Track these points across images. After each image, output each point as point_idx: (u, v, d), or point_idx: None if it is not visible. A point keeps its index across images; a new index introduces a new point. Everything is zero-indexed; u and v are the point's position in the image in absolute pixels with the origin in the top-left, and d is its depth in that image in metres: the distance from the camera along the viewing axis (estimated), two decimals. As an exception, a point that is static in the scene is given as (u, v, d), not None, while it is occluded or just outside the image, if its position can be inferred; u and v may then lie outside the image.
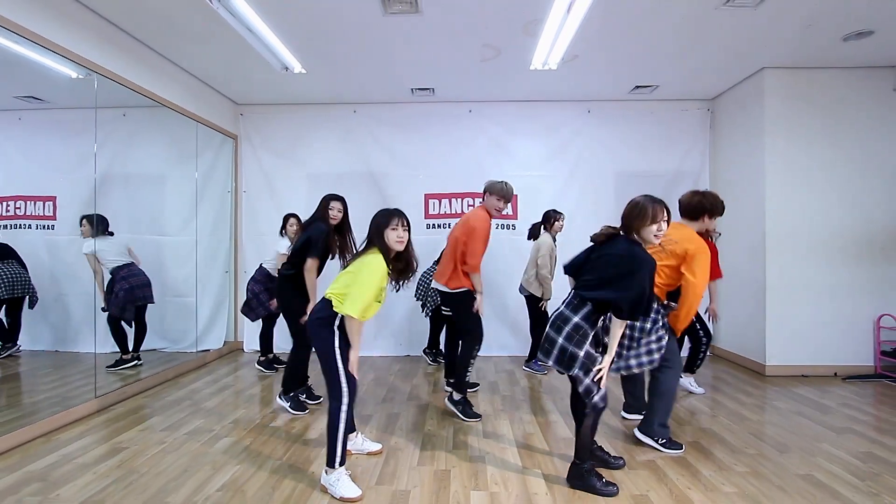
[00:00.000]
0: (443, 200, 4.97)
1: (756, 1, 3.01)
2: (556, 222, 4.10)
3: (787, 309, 4.06)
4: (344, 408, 2.07)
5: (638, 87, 4.56)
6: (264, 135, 5.09)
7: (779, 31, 3.44)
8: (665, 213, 2.01)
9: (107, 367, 3.76)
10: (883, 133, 4.05)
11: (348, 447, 2.31)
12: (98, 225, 3.78)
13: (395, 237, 2.12)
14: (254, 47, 3.65)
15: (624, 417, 3.01)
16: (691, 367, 3.60)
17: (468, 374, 3.10)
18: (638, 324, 2.33)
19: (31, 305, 3.69)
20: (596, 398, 2.04)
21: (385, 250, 2.12)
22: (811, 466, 2.37)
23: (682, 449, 2.54)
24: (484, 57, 3.90)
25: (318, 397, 3.32)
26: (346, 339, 2.12)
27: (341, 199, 3.11)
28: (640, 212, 2.01)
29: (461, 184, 4.94)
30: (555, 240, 4.08)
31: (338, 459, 2.06)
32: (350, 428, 2.35)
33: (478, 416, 3.04)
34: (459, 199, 4.96)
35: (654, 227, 1.99)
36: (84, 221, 3.80)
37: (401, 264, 2.23)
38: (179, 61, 4.12)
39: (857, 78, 4.05)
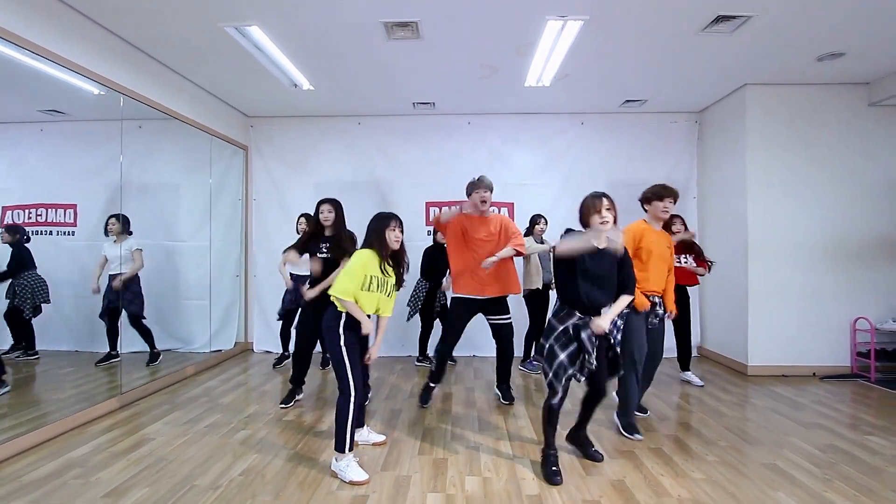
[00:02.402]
0: (443, 208, 5.20)
1: (732, 28, 3.26)
2: (536, 226, 4.44)
3: (769, 312, 4.30)
4: (351, 401, 2.33)
5: (628, 101, 4.81)
6: (274, 146, 5.36)
7: (757, 52, 3.68)
8: (606, 202, 2.31)
9: (95, 363, 3.98)
10: (858, 145, 4.29)
11: (356, 439, 2.58)
12: (124, 224, 4.08)
13: (393, 237, 2.45)
14: (265, 67, 3.92)
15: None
16: (686, 363, 4.04)
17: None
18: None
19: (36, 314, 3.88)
20: (557, 396, 2.35)
21: (384, 249, 2.43)
22: (775, 457, 2.61)
23: (640, 435, 2.87)
24: (481, 75, 4.16)
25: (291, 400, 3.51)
26: (355, 339, 2.40)
27: (329, 202, 3.37)
28: (584, 207, 2.36)
29: (461, 192, 5.13)
30: (541, 241, 4.40)
31: (347, 446, 2.32)
32: (359, 423, 2.62)
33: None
34: (457, 208, 5.19)
35: (597, 216, 2.30)
36: (112, 220, 4.07)
37: (394, 261, 2.53)
38: (194, 78, 4.37)
39: (834, 94, 4.29)
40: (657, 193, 2.94)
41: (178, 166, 4.88)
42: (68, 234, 4.15)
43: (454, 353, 4.77)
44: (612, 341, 2.43)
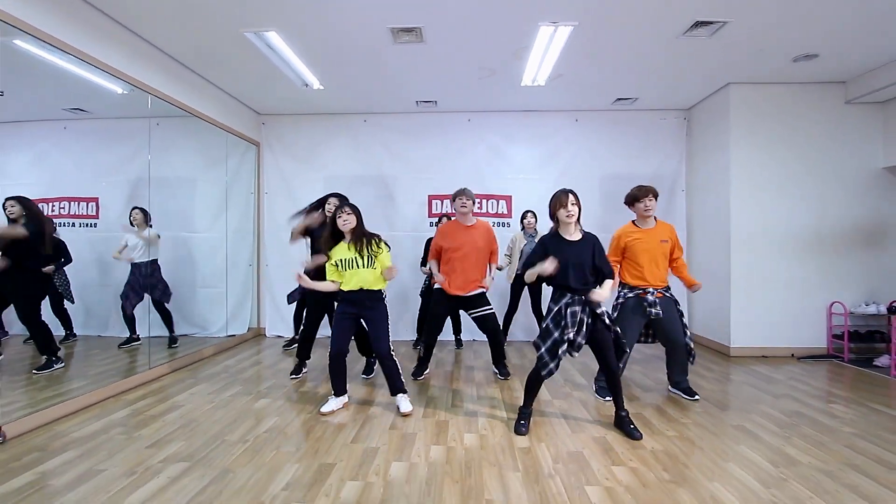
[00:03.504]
0: (445, 201, 5.50)
1: (710, 32, 3.54)
2: (524, 220, 4.83)
3: (750, 298, 4.58)
4: (328, 354, 3.02)
5: (619, 99, 5.09)
6: (284, 142, 5.66)
7: (736, 54, 3.95)
8: (572, 198, 2.62)
9: (119, 345, 4.32)
10: (835, 141, 4.56)
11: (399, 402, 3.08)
12: (146, 216, 4.39)
13: (340, 222, 2.98)
14: (280, 68, 4.21)
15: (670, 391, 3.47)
16: None
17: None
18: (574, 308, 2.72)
19: (71, 302, 4.19)
20: (547, 368, 2.61)
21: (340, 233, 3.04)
22: (744, 420, 2.90)
23: (606, 397, 3.20)
24: (480, 76, 4.45)
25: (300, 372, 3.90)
26: (346, 311, 3.02)
27: (336, 196, 3.71)
28: (553, 202, 2.67)
29: (461, 186, 5.44)
30: (532, 235, 4.74)
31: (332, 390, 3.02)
32: (396, 389, 3.10)
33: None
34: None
35: (564, 210, 2.61)
36: (136, 211, 4.35)
37: (359, 240, 3.01)
38: (213, 79, 4.67)
39: (812, 92, 4.57)
40: (634, 196, 3.26)
41: (195, 161, 5.16)
42: (90, 227, 4.42)
43: (461, 338, 5.09)
44: (611, 322, 2.68)
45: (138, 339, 4.43)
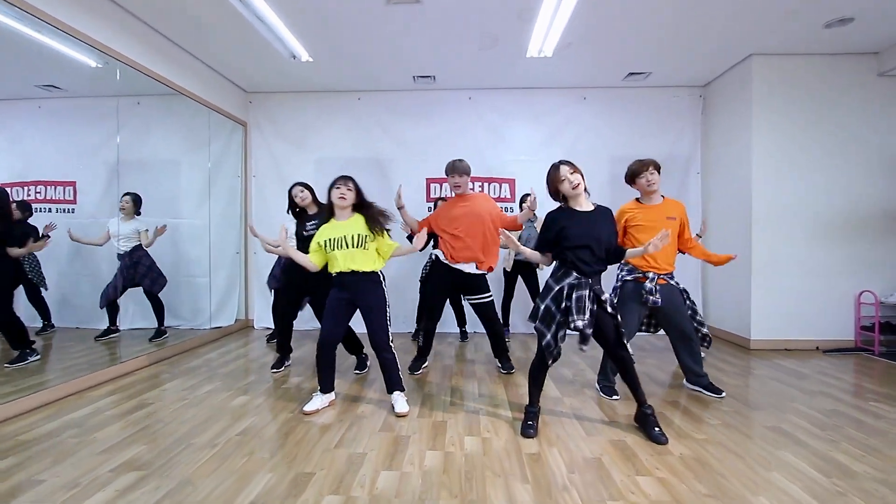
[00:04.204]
0: (443, 184, 5.16)
1: (738, -11, 3.19)
2: (524, 203, 4.52)
3: (772, 286, 4.25)
4: (317, 344, 2.69)
5: (631, 73, 4.73)
6: (273, 122, 5.31)
7: (763, 19, 3.60)
8: (565, 168, 2.33)
9: (95, 337, 4.00)
10: (866, 118, 4.21)
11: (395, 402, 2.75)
12: (136, 204, 4.16)
13: (336, 195, 2.67)
14: (263, 36, 3.86)
15: (685, 386, 3.15)
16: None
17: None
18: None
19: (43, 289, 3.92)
20: (552, 353, 2.32)
21: (331, 208, 2.73)
22: (779, 420, 2.58)
23: (613, 396, 2.91)
24: (482, 45, 4.09)
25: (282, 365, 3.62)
26: (338, 297, 2.70)
27: (302, 185, 3.46)
28: (548, 181, 2.40)
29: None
30: (531, 220, 4.41)
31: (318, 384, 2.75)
32: (393, 387, 2.78)
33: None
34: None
35: (565, 184, 2.32)
36: (126, 199, 4.09)
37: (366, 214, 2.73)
38: (191, 49, 4.31)
39: (842, 64, 4.21)
40: (634, 171, 2.94)
41: (178, 143, 4.84)
42: (67, 212, 4.13)
43: (466, 330, 4.78)
44: (613, 309, 2.36)
45: (117, 330, 4.13)
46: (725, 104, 4.73)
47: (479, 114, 5.18)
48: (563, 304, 2.28)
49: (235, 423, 2.51)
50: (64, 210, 4.14)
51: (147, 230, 4.20)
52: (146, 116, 4.44)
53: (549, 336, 2.30)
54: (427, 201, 5.19)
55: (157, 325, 4.30)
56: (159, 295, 4.33)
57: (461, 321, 4.76)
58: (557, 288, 2.30)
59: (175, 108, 4.54)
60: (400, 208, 3.44)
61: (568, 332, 2.35)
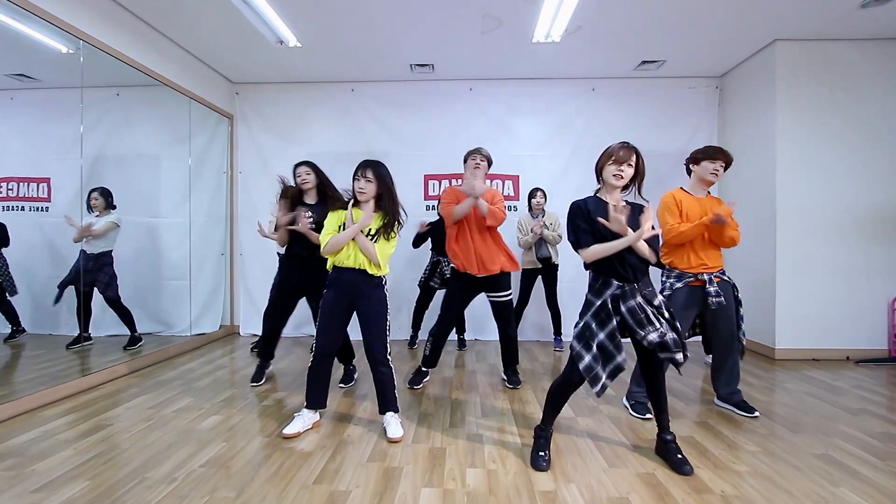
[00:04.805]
0: (443, 181, 4.84)
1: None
2: (532, 199, 4.21)
3: (798, 290, 3.92)
4: (311, 357, 2.38)
5: (644, 62, 4.41)
6: (261, 114, 4.98)
7: (790, 0, 3.29)
8: (632, 156, 1.98)
9: (67, 345, 3.68)
10: (901, 108, 3.89)
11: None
12: (107, 199, 3.85)
13: (357, 188, 2.34)
14: (247, 18, 3.53)
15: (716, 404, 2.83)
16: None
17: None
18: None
19: (12, 293, 3.62)
20: (599, 382, 1.91)
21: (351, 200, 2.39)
22: (826, 446, 2.25)
23: (646, 415, 2.57)
24: (484, 29, 3.76)
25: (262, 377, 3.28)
26: (334, 299, 2.37)
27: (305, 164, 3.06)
28: (603, 156, 2.06)
29: (461, 164, 4.80)
30: (541, 215, 4.14)
31: (305, 400, 2.41)
32: (385, 406, 2.43)
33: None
34: (460, 181, 4.83)
35: (613, 168, 1.98)
36: (95, 195, 3.79)
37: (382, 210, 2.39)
38: (174, 36, 4.01)
39: (876, 50, 3.88)
40: (707, 153, 2.64)
41: (159, 136, 4.53)
42: (41, 211, 3.84)
43: (465, 338, 4.46)
44: (669, 315, 1.99)
45: (89, 338, 3.81)
46: (745, 95, 4.41)
47: (481, 106, 4.86)
48: (612, 325, 1.91)
49: (202, 450, 2.17)
50: (37, 208, 3.86)
51: (112, 221, 3.84)
52: (126, 108, 4.17)
53: (587, 358, 1.92)
54: (425, 199, 4.86)
55: (130, 333, 3.97)
56: (131, 300, 4.00)
57: (461, 328, 4.43)
58: (599, 303, 1.95)
59: (157, 100, 4.24)
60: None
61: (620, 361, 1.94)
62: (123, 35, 3.56)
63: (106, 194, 3.87)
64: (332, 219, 2.39)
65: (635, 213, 1.99)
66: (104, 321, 4.08)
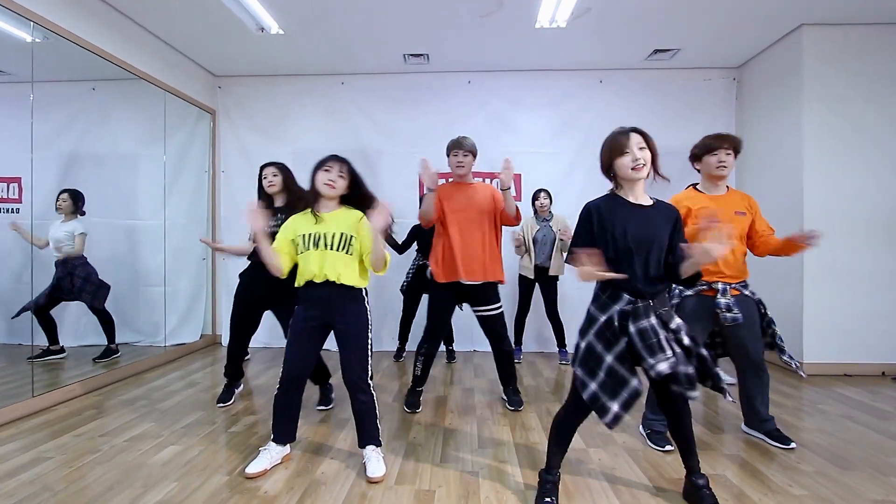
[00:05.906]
0: (439, 181, 4.50)
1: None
2: (536, 201, 3.93)
3: (828, 299, 3.58)
4: (278, 383, 2.06)
5: (657, 51, 4.07)
6: (245, 109, 4.67)
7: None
8: (636, 138, 1.63)
9: (28, 357, 3.35)
10: (941, 99, 3.55)
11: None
12: (76, 202, 3.59)
13: (324, 179, 2.02)
14: (223, 2, 3.23)
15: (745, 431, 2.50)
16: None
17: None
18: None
19: None
20: (608, 413, 1.57)
21: (315, 196, 2.06)
22: (887, 489, 1.90)
23: (666, 446, 2.24)
24: (484, 12, 3.44)
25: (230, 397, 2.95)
26: (305, 318, 2.04)
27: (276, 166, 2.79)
28: (606, 149, 1.71)
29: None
30: (546, 219, 3.90)
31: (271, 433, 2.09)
32: (366, 439, 2.07)
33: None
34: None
35: (626, 157, 1.62)
36: (63, 196, 3.55)
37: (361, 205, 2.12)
38: (150, 27, 3.76)
39: (911, 35, 3.55)
40: (707, 146, 2.29)
41: (137, 133, 4.25)
42: (12, 212, 3.58)
43: (454, 349, 4.14)
44: (691, 342, 1.64)
45: (60, 351, 3.58)
46: (766, 87, 4.07)
47: (480, 100, 4.54)
48: (621, 346, 1.58)
49: (147, 492, 1.84)
50: (8, 210, 3.62)
51: (83, 233, 3.56)
52: (102, 104, 3.92)
53: (593, 387, 1.60)
54: (420, 198, 4.53)
55: (107, 344, 3.67)
56: (107, 308, 3.70)
57: (448, 339, 4.09)
58: (604, 319, 1.62)
59: (133, 95, 3.98)
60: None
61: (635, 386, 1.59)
62: (95, 24, 3.28)
63: (76, 198, 3.59)
64: (283, 230, 2.06)
65: (667, 213, 1.69)
66: (86, 330, 3.82)
